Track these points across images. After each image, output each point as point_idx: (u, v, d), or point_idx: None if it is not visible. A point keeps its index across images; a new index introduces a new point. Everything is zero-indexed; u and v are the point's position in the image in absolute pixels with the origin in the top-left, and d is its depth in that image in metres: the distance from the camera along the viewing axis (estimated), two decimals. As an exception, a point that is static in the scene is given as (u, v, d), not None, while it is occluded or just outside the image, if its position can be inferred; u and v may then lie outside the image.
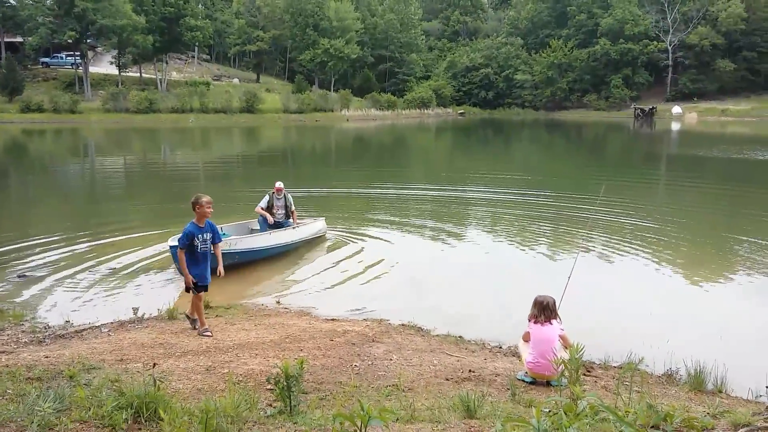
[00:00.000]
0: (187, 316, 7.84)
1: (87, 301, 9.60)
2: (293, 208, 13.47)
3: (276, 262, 12.38)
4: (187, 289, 7.65)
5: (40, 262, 11.73)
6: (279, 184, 13.37)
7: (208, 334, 7.52)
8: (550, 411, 4.30)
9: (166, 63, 76.16)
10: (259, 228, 13.26)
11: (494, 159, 37.12)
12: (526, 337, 6.45)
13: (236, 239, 11.72)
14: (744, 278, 11.18)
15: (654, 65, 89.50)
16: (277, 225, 13.19)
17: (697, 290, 10.66)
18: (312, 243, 13.68)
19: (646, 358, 6.95)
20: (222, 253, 11.11)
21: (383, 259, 12.31)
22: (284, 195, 13.44)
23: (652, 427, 4.03)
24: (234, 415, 4.29)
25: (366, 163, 34.29)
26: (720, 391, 6.34)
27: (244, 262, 11.60)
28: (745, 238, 14.29)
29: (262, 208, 13.30)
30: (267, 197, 13.40)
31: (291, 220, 13.41)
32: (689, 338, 8.05)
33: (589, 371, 6.75)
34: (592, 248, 13.09)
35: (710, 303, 10.03)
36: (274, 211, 13.34)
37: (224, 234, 12.30)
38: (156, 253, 12.15)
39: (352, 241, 13.90)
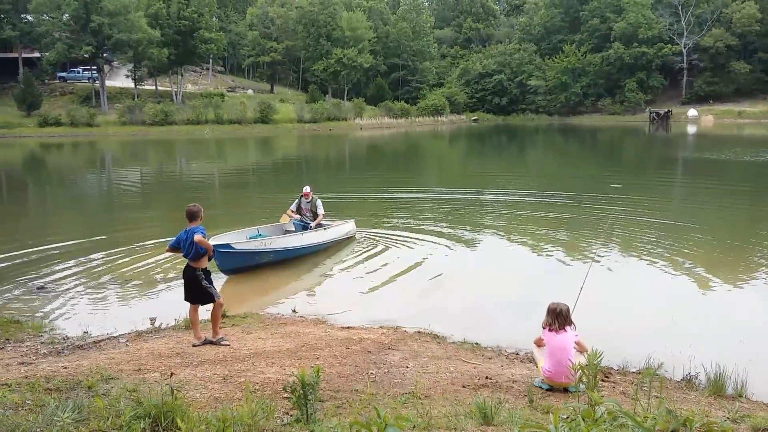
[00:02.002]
0: (212, 342, 7.61)
1: (105, 312, 9.68)
2: (320, 211, 13.85)
3: (291, 269, 12.46)
4: (213, 298, 7.63)
5: (58, 273, 11.85)
6: (306, 189, 13.92)
7: (225, 343, 7.55)
8: (568, 417, 4.28)
9: (181, 75, 76.85)
10: (293, 230, 13.87)
11: (509, 164, 37.02)
12: (539, 342, 6.40)
13: (271, 239, 12.51)
14: (764, 281, 11.04)
15: (668, 68, 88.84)
16: (305, 226, 13.74)
17: (716, 294, 10.53)
18: (327, 248, 13.85)
19: (665, 363, 6.85)
20: (257, 252, 11.96)
21: (398, 266, 12.33)
22: (312, 199, 13.86)
23: (671, 432, 3.99)
24: (251, 424, 4.31)
25: (381, 170, 34.35)
26: (740, 396, 6.26)
27: (278, 261, 12.39)
28: (764, 242, 14.14)
29: (292, 211, 13.95)
30: (297, 200, 14.01)
31: (316, 222, 13.82)
32: (709, 342, 7.95)
33: (607, 377, 6.69)
34: (609, 252, 13.01)
35: (730, 306, 9.91)
36: (303, 213, 13.91)
37: (260, 235, 13.04)
38: (173, 262, 12.22)
39: (367, 247, 13.94)
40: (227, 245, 11.39)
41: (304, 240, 13.16)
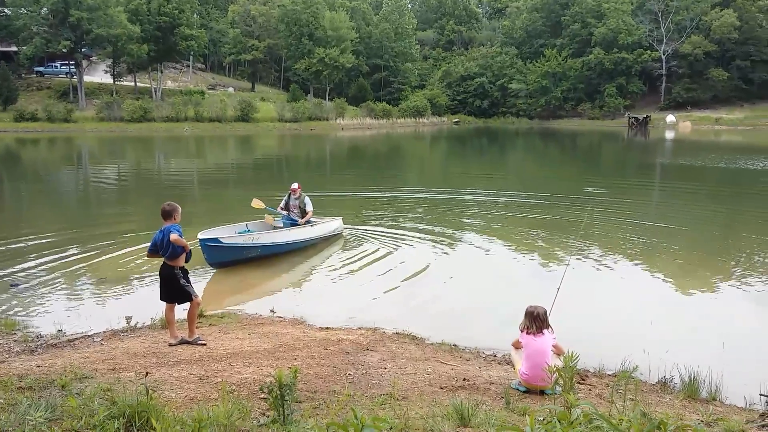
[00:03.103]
0: (188, 341, 7.51)
1: (80, 310, 9.56)
2: (308, 208, 14.09)
3: (271, 268, 12.41)
4: (190, 297, 7.54)
5: (33, 270, 11.68)
6: (294, 185, 14.21)
7: (202, 342, 7.49)
8: (544, 419, 4.29)
9: (161, 72, 76.17)
10: (282, 226, 14.07)
11: (489, 166, 37.19)
12: (517, 345, 6.44)
13: (259, 234, 12.71)
14: (740, 285, 11.17)
15: (648, 74, 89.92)
16: (292, 223, 14.01)
17: (692, 297, 10.66)
18: (314, 245, 14.01)
19: (641, 365, 6.89)
20: (245, 247, 12.21)
21: (377, 266, 12.33)
22: (300, 196, 14.11)
23: (646, 435, 4.02)
24: (227, 424, 4.27)
25: (361, 170, 34.29)
26: (714, 399, 6.34)
27: (265, 256, 12.63)
28: (740, 246, 14.35)
29: (281, 207, 14.28)
30: (285, 197, 14.34)
31: (304, 218, 14.03)
32: (684, 346, 8.04)
33: (583, 379, 6.74)
34: (586, 255, 13.10)
35: (705, 310, 10.03)
36: (291, 210, 14.18)
37: (248, 230, 13.22)
38: (149, 260, 12.07)
39: (347, 246, 13.95)
40: (216, 239, 11.63)
41: (292, 236, 13.36)
